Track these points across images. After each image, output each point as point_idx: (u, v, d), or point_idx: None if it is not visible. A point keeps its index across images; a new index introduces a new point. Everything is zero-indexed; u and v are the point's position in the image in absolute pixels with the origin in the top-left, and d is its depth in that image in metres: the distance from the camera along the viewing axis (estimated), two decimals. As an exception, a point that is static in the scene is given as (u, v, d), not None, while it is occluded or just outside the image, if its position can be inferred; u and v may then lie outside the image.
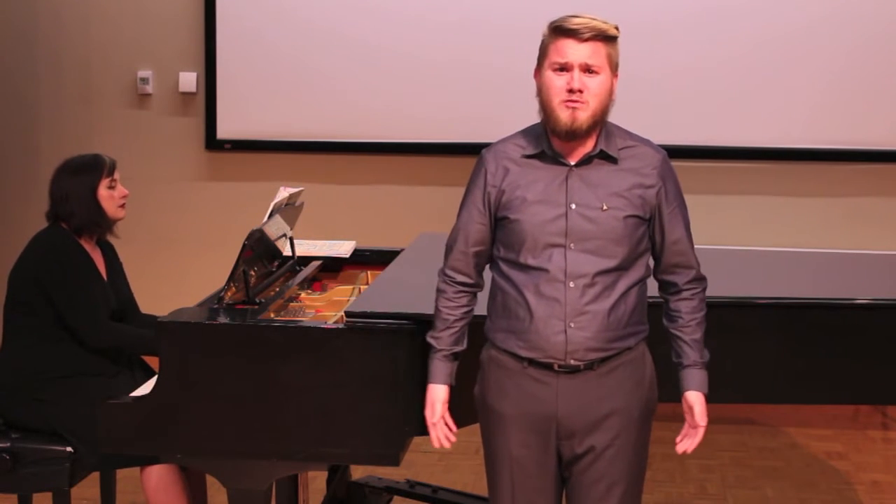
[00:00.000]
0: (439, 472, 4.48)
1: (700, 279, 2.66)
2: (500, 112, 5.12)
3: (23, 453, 3.33)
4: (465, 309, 2.68)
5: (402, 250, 3.72)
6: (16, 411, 3.41)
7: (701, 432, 2.63)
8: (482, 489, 3.48)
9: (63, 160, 3.55)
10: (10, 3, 5.61)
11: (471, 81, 5.37)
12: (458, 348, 2.68)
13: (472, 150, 5.18)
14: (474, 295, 2.70)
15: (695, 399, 2.62)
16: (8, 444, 3.33)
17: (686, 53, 5.28)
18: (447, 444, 2.70)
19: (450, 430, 2.69)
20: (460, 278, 2.66)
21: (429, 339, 2.69)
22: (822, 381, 3.19)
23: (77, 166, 3.51)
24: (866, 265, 3.81)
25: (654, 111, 5.09)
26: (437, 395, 2.67)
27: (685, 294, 2.64)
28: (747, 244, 4.45)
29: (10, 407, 3.42)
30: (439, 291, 2.69)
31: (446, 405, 2.67)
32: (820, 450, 4.86)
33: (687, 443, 2.63)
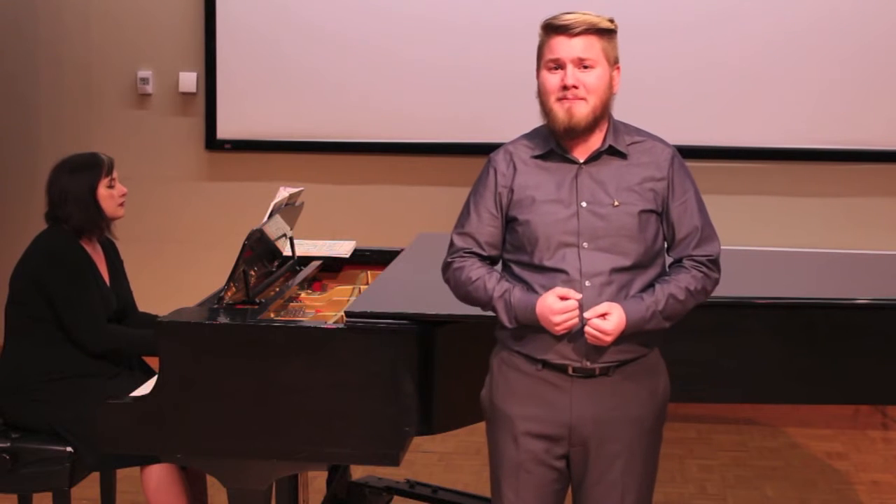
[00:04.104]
0: (439, 472, 4.47)
1: (711, 264, 2.50)
2: (500, 112, 5.12)
3: (23, 453, 3.32)
4: (488, 267, 2.53)
5: (402, 250, 3.72)
6: (16, 411, 3.40)
7: (594, 327, 2.38)
8: (482, 489, 3.49)
9: (59, 160, 3.50)
10: (10, 3, 5.60)
11: (471, 82, 5.37)
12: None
13: (472, 150, 5.26)
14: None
15: (613, 309, 2.39)
16: (8, 444, 3.33)
17: (685, 55, 5.27)
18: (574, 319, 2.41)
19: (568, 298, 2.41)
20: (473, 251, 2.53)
21: (495, 303, 2.47)
22: (822, 381, 3.18)
23: (75, 166, 3.47)
24: (866, 265, 3.81)
25: (653, 112, 5.05)
26: (545, 300, 2.41)
27: (686, 263, 2.50)
28: (747, 244, 4.44)
29: (11, 407, 3.42)
30: (457, 269, 2.53)
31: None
32: (820, 450, 4.85)
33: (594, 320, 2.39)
